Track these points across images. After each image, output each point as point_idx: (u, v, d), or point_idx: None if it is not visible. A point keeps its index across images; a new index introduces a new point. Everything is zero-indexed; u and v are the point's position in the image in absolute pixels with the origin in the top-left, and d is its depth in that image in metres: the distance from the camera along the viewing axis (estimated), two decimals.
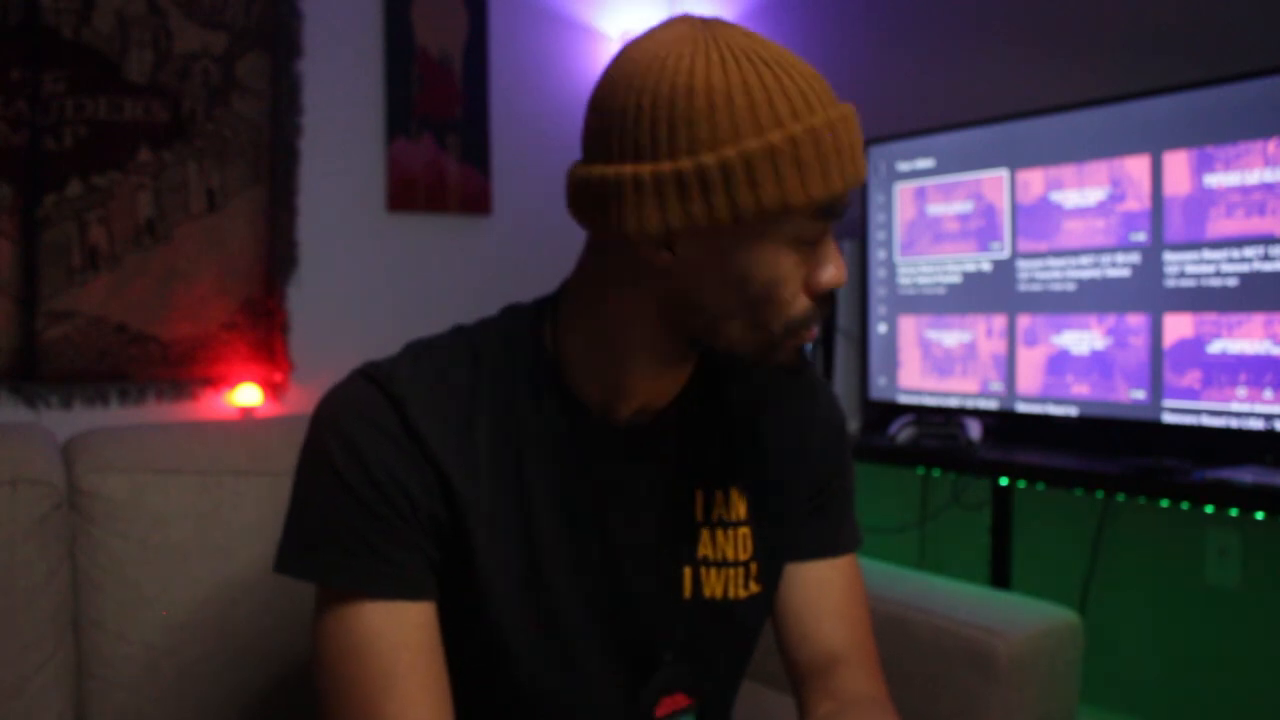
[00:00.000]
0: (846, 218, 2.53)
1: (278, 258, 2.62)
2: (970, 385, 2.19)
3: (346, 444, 0.78)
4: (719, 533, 0.87)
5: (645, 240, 0.73)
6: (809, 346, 0.80)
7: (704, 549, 0.87)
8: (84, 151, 2.40)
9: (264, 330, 2.62)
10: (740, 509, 0.89)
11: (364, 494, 0.77)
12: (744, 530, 0.88)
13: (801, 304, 0.76)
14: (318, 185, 2.67)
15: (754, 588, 0.89)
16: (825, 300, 0.77)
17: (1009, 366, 2.12)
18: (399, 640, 0.76)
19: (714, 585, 0.87)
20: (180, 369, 2.53)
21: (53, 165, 2.37)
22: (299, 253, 2.65)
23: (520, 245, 2.92)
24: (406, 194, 2.81)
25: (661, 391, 0.84)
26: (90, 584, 1.13)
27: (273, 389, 2.62)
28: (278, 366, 2.63)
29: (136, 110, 2.46)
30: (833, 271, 0.76)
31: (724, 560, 0.87)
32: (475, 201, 2.91)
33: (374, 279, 2.78)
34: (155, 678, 1.13)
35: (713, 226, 0.71)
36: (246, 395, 2.56)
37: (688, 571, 0.86)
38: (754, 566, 0.89)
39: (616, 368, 0.81)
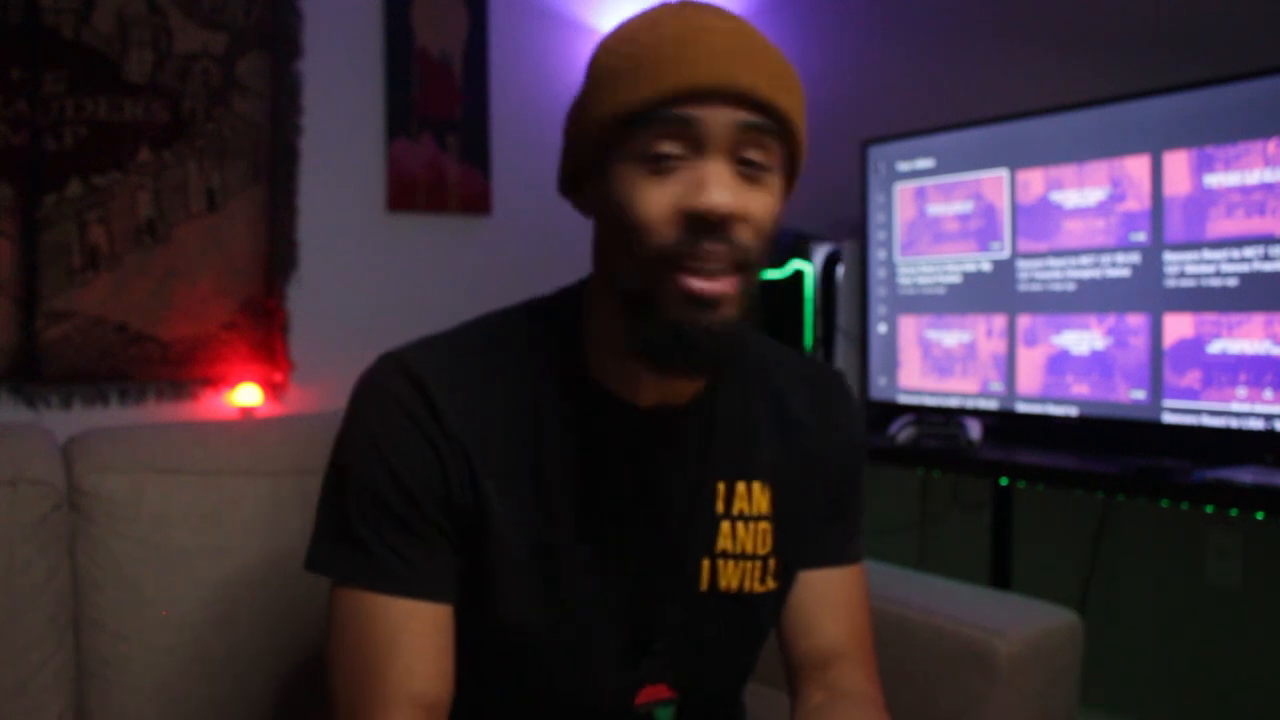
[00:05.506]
0: (846, 217, 2.53)
1: (278, 258, 2.62)
2: (970, 385, 2.19)
3: (372, 442, 0.80)
4: (739, 526, 0.87)
5: (565, 188, 0.83)
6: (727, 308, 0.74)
7: (723, 542, 0.87)
8: (84, 151, 2.40)
9: (264, 330, 2.62)
10: (763, 503, 0.89)
11: (387, 496, 0.79)
12: (764, 525, 0.88)
13: (669, 230, 0.73)
14: (318, 185, 2.67)
15: (770, 584, 0.89)
16: (696, 227, 0.72)
17: (1009, 366, 2.12)
18: (405, 626, 0.79)
19: (730, 578, 0.87)
20: (180, 369, 2.53)
21: (53, 165, 2.37)
22: (299, 253, 2.65)
23: (520, 245, 2.92)
24: (406, 194, 2.81)
25: (679, 388, 0.84)
26: (90, 584, 1.12)
27: (273, 389, 2.62)
28: (278, 366, 2.63)
29: (136, 110, 2.46)
30: (702, 195, 0.72)
31: (743, 553, 0.88)
32: (475, 201, 2.91)
33: (374, 279, 2.78)
34: (155, 678, 1.13)
35: (583, 158, 0.78)
36: (246, 395, 2.56)
37: (705, 563, 0.86)
38: (773, 562, 0.89)
39: (622, 360, 0.81)
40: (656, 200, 0.73)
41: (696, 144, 0.73)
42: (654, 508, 0.85)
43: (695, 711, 0.90)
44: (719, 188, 0.72)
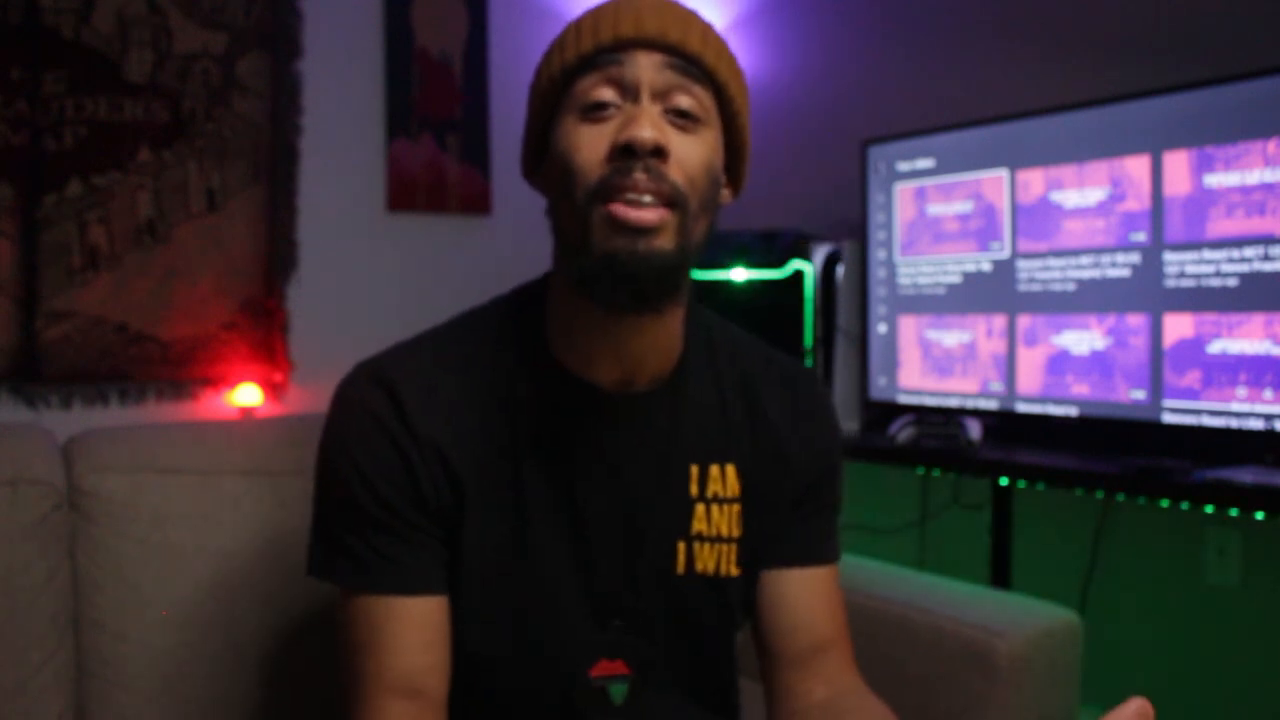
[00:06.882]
0: (846, 217, 2.53)
1: (278, 258, 2.62)
2: (970, 385, 2.19)
3: (345, 449, 0.84)
4: (714, 508, 0.89)
5: (526, 169, 0.88)
6: (650, 246, 0.75)
7: (698, 524, 0.89)
8: (84, 151, 2.40)
9: (264, 330, 2.63)
10: (735, 486, 0.90)
11: (362, 501, 0.83)
12: (736, 507, 0.90)
13: (598, 170, 0.77)
14: (318, 185, 2.67)
15: (736, 569, 0.90)
16: (624, 157, 0.75)
17: (1009, 366, 2.12)
18: (386, 622, 0.82)
19: (706, 560, 0.89)
20: (180, 369, 2.53)
21: (53, 165, 2.37)
22: (299, 253, 2.65)
23: (520, 245, 2.91)
24: (406, 194, 2.81)
25: (637, 359, 0.84)
26: (90, 584, 1.13)
27: (273, 389, 2.62)
28: (278, 366, 2.63)
29: (136, 110, 2.47)
30: (629, 128, 0.76)
31: (718, 536, 0.89)
32: (475, 201, 2.91)
33: (374, 279, 2.78)
34: (155, 678, 1.13)
35: (537, 129, 0.84)
36: (246, 395, 2.56)
37: (681, 546, 0.88)
38: (738, 548, 0.90)
39: (577, 330, 0.84)
40: (592, 144, 0.77)
41: (629, 90, 0.78)
42: (621, 488, 0.86)
43: (683, 697, 0.91)
44: (646, 123, 0.76)
